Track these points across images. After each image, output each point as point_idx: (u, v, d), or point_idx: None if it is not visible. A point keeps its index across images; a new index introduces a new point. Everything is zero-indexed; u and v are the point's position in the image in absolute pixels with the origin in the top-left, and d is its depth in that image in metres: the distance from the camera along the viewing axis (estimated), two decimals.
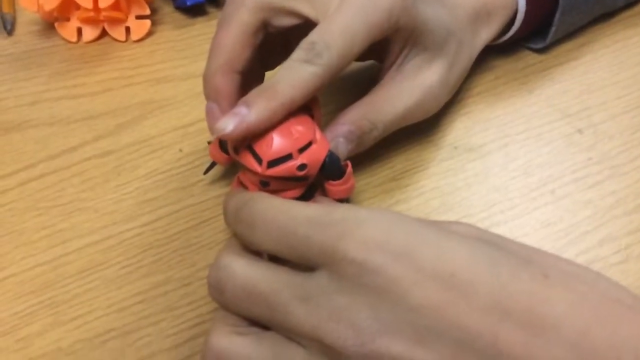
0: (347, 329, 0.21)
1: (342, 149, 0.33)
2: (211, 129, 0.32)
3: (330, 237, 0.22)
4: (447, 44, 0.35)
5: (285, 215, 0.24)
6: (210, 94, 0.32)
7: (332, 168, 0.31)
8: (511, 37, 0.42)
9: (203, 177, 0.37)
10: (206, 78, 0.32)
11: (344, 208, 0.24)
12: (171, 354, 0.29)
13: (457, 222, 0.25)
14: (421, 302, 0.21)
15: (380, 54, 0.36)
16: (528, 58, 0.45)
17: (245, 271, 0.24)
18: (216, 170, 0.37)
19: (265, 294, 0.23)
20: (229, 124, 0.28)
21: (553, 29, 0.42)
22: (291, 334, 0.23)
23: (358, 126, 0.33)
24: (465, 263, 0.21)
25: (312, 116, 0.32)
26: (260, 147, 0.29)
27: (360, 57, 0.41)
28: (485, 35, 0.39)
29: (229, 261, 0.25)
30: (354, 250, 0.22)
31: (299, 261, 0.24)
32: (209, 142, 0.35)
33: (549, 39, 0.43)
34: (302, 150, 0.30)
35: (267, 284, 0.24)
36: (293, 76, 0.29)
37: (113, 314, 0.31)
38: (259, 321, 0.24)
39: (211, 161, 0.35)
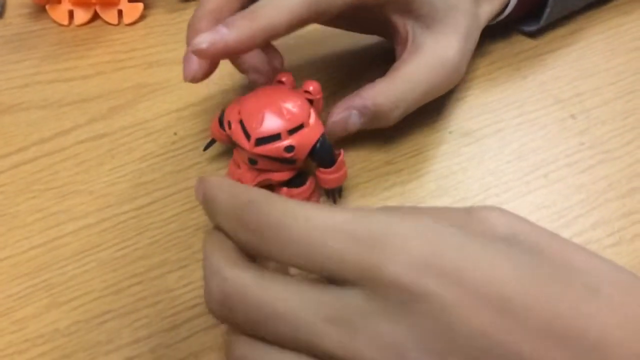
0: (391, 359, 0.19)
1: (354, 121, 0.33)
2: (189, 43, 0.31)
3: (369, 254, 0.20)
4: (452, 17, 0.35)
5: (306, 223, 0.21)
6: (191, 39, 0.31)
7: (322, 154, 0.31)
8: (507, 17, 0.42)
9: (198, 160, 0.37)
10: (191, 23, 0.32)
11: (378, 218, 0.21)
12: (169, 335, 0.29)
13: (489, 208, 0.22)
14: (476, 330, 0.19)
15: (384, 28, 0.36)
16: (522, 44, 0.45)
17: (259, 288, 0.21)
18: (215, 149, 0.37)
19: (287, 315, 0.20)
20: (206, 40, 0.27)
21: (547, 10, 0.42)
22: (318, 357, 0.20)
23: (375, 104, 0.33)
24: (517, 285, 0.19)
25: (311, 102, 0.32)
26: (250, 124, 0.30)
27: (366, 29, 0.41)
28: (488, 8, 0.39)
29: (235, 275, 0.21)
30: (400, 272, 0.19)
31: (323, 275, 0.21)
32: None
33: (542, 21, 0.43)
34: (292, 131, 0.30)
35: (288, 303, 0.20)
36: (278, 1, 0.29)
37: (110, 296, 0.31)
38: (277, 343, 0.21)
39: (211, 138, 0.35)
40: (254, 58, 0.35)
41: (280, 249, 0.21)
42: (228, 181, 0.24)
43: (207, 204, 0.24)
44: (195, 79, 0.33)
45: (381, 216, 0.21)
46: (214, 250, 0.23)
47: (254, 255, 0.23)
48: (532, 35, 0.45)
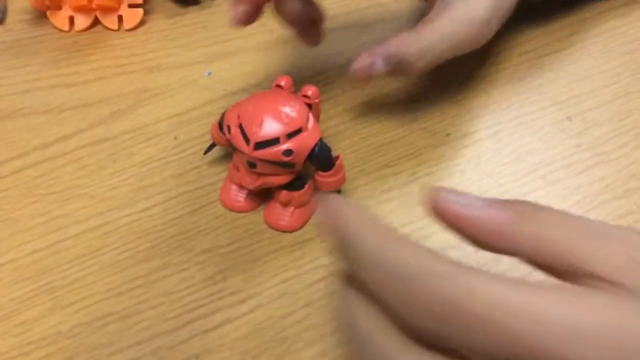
0: None
1: (379, 67, 0.33)
2: None
3: (561, 347, 0.15)
4: None
5: (533, 325, 0.15)
6: None
7: (320, 158, 0.32)
8: None
9: (199, 164, 0.37)
10: None
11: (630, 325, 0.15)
12: (170, 337, 0.30)
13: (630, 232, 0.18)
14: None
15: None
16: (520, 47, 0.46)
17: None
18: (215, 153, 0.37)
19: None
20: None
21: None
22: None
23: (401, 52, 0.33)
24: None
25: (309, 106, 0.33)
26: (250, 128, 0.30)
27: None
28: None
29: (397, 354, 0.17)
30: None
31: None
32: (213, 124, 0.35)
33: None
34: (290, 135, 0.30)
35: None
36: None
37: (112, 298, 0.31)
38: None
39: (211, 142, 0.35)
40: (296, 7, 0.35)
41: (483, 345, 0.16)
42: (376, 223, 0.19)
43: (346, 245, 0.19)
44: (242, 22, 0.34)
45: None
46: (374, 331, 0.18)
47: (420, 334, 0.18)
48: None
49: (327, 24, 0.48)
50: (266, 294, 0.31)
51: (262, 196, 0.36)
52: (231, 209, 0.35)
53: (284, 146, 0.30)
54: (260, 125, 0.30)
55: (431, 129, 0.40)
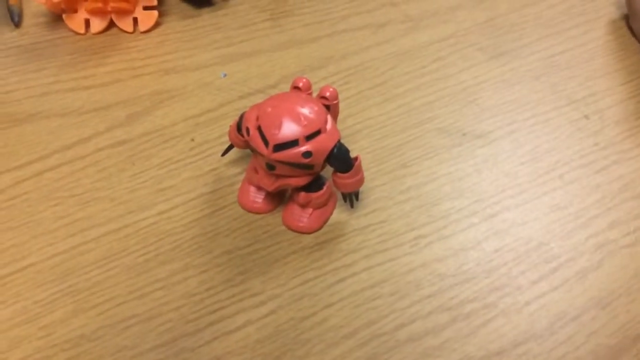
0: None
1: None
2: None
3: None
4: None
5: None
6: None
7: (339, 159, 0.32)
8: None
9: (216, 166, 0.37)
10: None
11: None
12: (193, 339, 0.30)
13: None
14: None
15: None
16: (532, 45, 0.46)
17: None
18: (232, 154, 0.37)
19: None
20: None
21: None
22: None
23: None
24: None
25: (328, 107, 0.33)
26: (269, 130, 0.30)
27: None
28: None
29: None
30: None
31: None
32: (230, 126, 0.35)
33: None
34: (309, 137, 0.30)
35: None
36: None
37: (134, 301, 0.31)
38: None
39: (229, 144, 0.36)
40: None
41: None
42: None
43: None
44: None
45: None
46: None
47: None
48: None
49: (340, 25, 0.48)
50: (286, 296, 0.31)
51: (280, 197, 0.36)
52: (249, 211, 0.35)
53: (303, 148, 0.30)
54: (279, 127, 0.30)
55: (447, 128, 0.40)
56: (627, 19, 0.48)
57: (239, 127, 0.34)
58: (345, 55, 0.45)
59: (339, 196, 0.35)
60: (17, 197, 0.36)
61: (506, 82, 0.43)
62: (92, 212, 0.35)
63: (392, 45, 0.46)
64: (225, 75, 0.44)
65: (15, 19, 0.47)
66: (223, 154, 0.37)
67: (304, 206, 0.34)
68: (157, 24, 0.47)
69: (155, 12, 0.47)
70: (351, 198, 0.34)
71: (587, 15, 0.49)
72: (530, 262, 0.33)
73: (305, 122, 0.30)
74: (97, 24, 0.47)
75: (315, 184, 0.33)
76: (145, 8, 0.47)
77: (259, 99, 0.42)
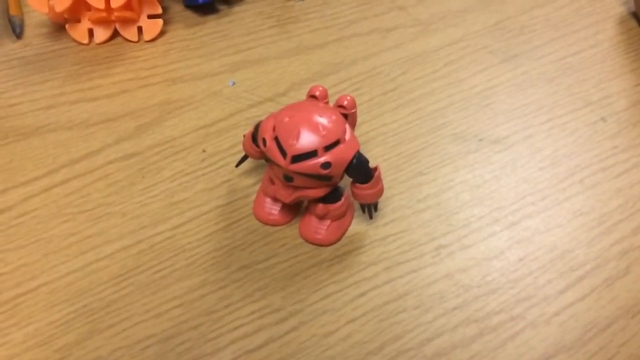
0: None
1: None
2: None
3: None
4: None
5: None
6: None
7: (359, 170, 0.31)
8: None
9: (229, 177, 0.37)
10: None
11: None
12: (213, 359, 0.29)
13: None
14: None
15: None
16: (543, 47, 0.45)
17: None
18: (245, 165, 0.36)
19: None
20: None
21: None
22: None
23: None
24: None
25: (345, 116, 0.32)
26: (286, 141, 0.29)
27: None
28: None
29: None
30: None
31: None
32: (244, 136, 0.34)
33: None
34: (328, 148, 0.29)
35: None
36: None
37: (151, 320, 0.30)
38: None
39: (243, 154, 0.35)
40: None
41: None
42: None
43: None
44: None
45: None
46: None
47: None
48: None
49: (348, 30, 0.47)
50: (308, 311, 0.31)
51: (296, 208, 0.35)
52: (266, 223, 0.34)
53: (322, 159, 0.29)
54: (297, 137, 0.29)
55: (462, 134, 0.39)
56: (636, 16, 0.48)
57: (254, 137, 0.33)
58: (355, 61, 0.45)
59: (357, 206, 0.34)
60: (26, 214, 0.35)
61: (520, 86, 0.43)
62: (103, 227, 0.34)
63: (402, 50, 0.46)
64: (233, 83, 0.43)
65: (17, 30, 0.46)
66: (237, 165, 0.36)
67: (321, 218, 0.33)
68: (161, 33, 0.47)
69: (160, 21, 0.46)
70: (370, 209, 0.33)
71: (596, 15, 0.49)
72: (555, 271, 0.32)
73: (324, 132, 0.29)
74: (101, 34, 0.46)
75: (333, 195, 0.32)
76: (150, 17, 0.46)
77: (269, 107, 0.41)
